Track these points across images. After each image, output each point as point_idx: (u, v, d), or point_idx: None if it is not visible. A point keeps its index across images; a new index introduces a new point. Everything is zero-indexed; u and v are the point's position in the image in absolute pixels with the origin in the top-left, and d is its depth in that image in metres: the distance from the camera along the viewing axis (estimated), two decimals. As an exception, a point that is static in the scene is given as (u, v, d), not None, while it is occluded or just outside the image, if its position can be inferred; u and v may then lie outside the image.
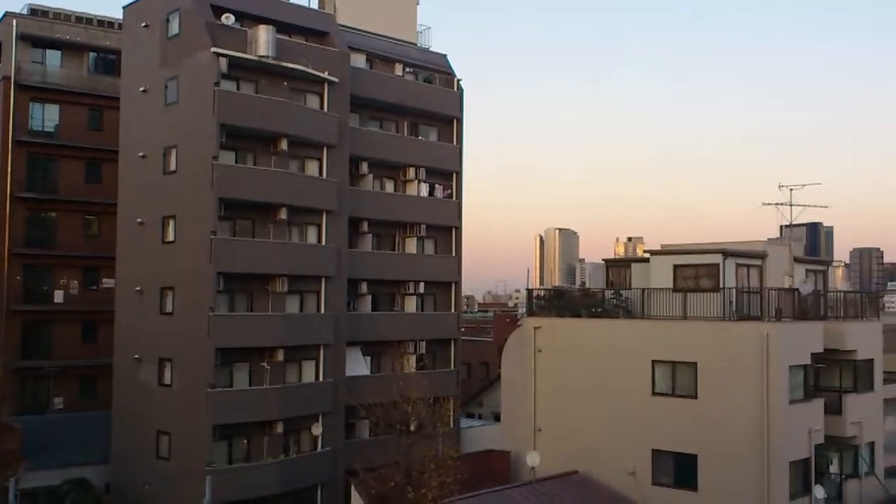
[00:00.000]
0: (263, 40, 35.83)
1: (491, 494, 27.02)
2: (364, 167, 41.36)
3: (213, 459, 33.11)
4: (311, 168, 38.78)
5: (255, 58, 35.88)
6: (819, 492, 27.22)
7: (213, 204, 34.32)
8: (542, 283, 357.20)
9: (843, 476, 29.53)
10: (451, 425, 36.60)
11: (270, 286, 36.22)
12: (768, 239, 33.76)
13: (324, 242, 38.49)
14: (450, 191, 45.27)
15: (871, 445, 30.72)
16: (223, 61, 34.81)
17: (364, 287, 41.09)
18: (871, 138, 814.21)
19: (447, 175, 45.23)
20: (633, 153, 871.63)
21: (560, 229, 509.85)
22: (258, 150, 36.77)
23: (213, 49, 34.71)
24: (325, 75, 38.47)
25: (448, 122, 45.62)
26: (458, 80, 46.27)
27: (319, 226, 38.54)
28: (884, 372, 33.20)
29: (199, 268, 34.52)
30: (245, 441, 35.32)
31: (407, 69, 44.84)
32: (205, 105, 34.93)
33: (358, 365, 40.15)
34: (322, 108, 38.84)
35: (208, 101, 34.76)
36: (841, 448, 29.54)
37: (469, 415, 50.66)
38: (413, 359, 42.31)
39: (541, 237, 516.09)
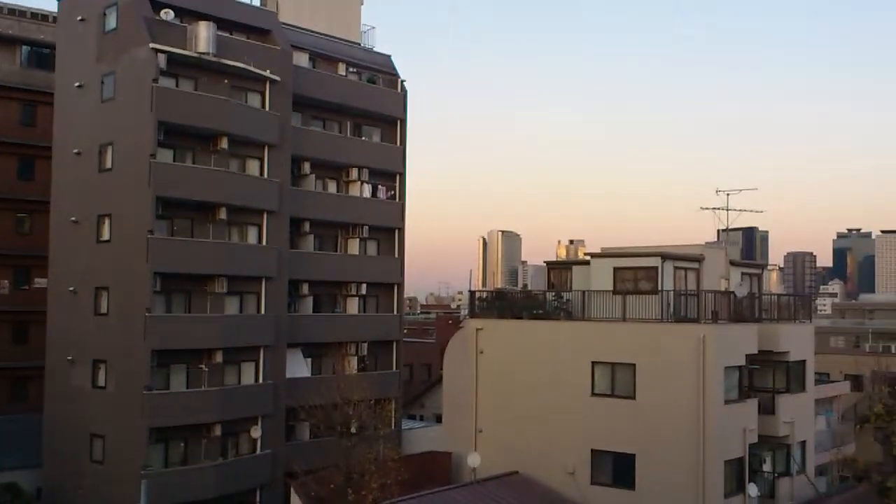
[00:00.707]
0: (204, 37, 35.31)
1: (432, 496, 26.98)
2: (306, 167, 41.03)
3: (148, 463, 32.47)
4: (252, 167, 38.34)
5: (195, 54, 35.34)
6: (752, 490, 27.78)
7: (150, 202, 33.71)
8: (484, 284, 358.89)
9: (776, 474, 30.17)
10: (393, 427, 36.46)
11: (209, 287, 35.71)
12: (706, 243, 34.35)
13: (264, 243, 38.07)
14: (393, 192, 45.16)
15: (803, 444, 31.43)
16: (162, 57, 34.22)
17: (305, 288, 40.75)
18: (805, 145, 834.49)
19: (390, 176, 45.11)
20: (577, 157, 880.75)
21: (503, 232, 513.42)
22: (197, 149, 36.22)
23: (151, 45, 34.08)
24: (267, 74, 38.07)
25: (392, 123, 45.51)
26: (402, 81, 46.20)
27: (260, 226, 38.11)
28: (815, 373, 34.05)
29: (136, 267, 33.87)
30: (182, 444, 34.73)
31: (350, 69, 44.61)
32: (142, 102, 34.30)
33: (299, 367, 39.82)
34: (263, 106, 38.42)
35: (146, 97, 34.13)
36: (774, 447, 30.17)
37: (411, 416, 50.59)
38: (354, 360, 42.10)
39: (484, 239, 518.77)
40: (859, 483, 29.13)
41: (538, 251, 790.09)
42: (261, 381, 37.37)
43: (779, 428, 29.78)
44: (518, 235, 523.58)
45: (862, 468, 30.31)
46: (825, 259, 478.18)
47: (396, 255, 45.07)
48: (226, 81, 36.99)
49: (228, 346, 35.81)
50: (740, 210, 33.56)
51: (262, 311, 37.79)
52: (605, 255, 31.65)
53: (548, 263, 35.57)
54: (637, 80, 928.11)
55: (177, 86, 35.83)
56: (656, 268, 29.04)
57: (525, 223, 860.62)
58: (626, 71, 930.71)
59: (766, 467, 30.13)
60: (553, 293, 31.70)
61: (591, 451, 28.61)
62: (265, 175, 38.23)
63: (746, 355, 28.47)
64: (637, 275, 29.60)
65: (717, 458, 26.73)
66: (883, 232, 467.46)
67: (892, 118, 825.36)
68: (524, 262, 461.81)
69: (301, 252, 40.68)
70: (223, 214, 36.02)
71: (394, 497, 23.40)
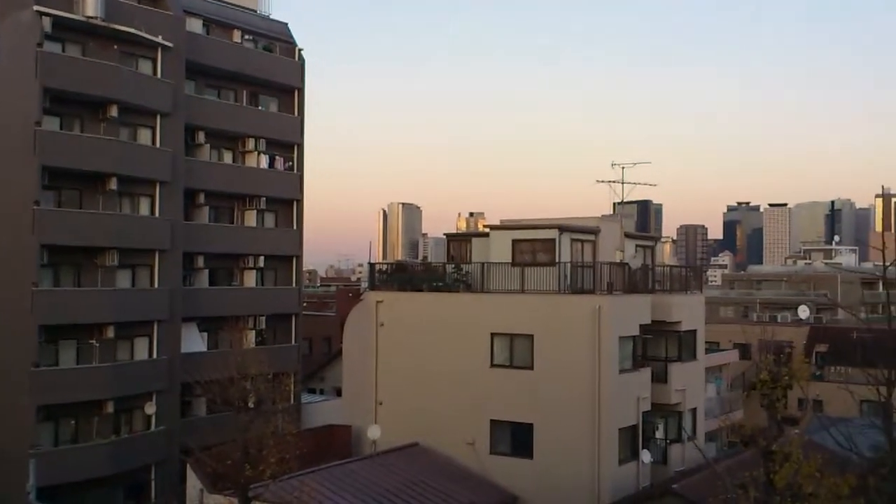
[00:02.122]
0: (91, 0, 33.85)
1: (332, 469, 26.93)
2: (201, 137, 40.02)
3: (37, 442, 31.40)
4: (144, 136, 37.12)
5: (83, 18, 33.91)
6: (646, 456, 28.63)
7: (35, 172, 32.34)
8: (385, 257, 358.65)
9: (668, 441, 31.13)
10: (292, 401, 36.17)
11: (99, 260, 34.55)
12: (602, 215, 34.96)
13: (157, 214, 37.04)
14: (291, 163, 44.48)
15: (694, 411, 32.49)
16: (47, 21, 32.74)
17: (201, 261, 39.90)
18: (697, 120, 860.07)
19: (288, 147, 44.40)
20: (479, 129, 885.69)
21: (403, 204, 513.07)
22: (86, 117, 34.87)
23: (35, 7, 32.58)
24: (159, 40, 36.83)
25: (289, 93, 44.71)
26: (300, 50, 45.39)
27: (153, 197, 37.05)
28: (705, 342, 35.19)
29: (21, 240, 32.52)
30: (73, 422, 33.73)
31: (246, 36, 43.53)
32: (26, 67, 32.74)
33: (194, 341, 39.05)
34: (155, 74, 37.22)
35: (30, 63, 32.60)
36: (666, 414, 31.10)
37: (311, 390, 50.23)
38: (252, 334, 41.52)
39: (384, 211, 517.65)
40: (746, 448, 30.29)
41: (439, 223, 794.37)
42: (155, 356, 36.57)
43: (671, 396, 30.67)
44: (418, 208, 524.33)
45: (748, 433, 31.47)
46: (716, 232, 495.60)
47: (295, 228, 44.49)
48: (115, 47, 35.64)
49: (121, 321, 34.85)
50: (635, 183, 34.35)
51: (156, 285, 36.87)
52: (504, 227, 31.89)
53: (448, 236, 35.63)
54: (534, 53, 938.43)
55: (63, 51, 34.37)
56: (554, 240, 29.41)
57: (426, 195, 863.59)
58: (523, 42, 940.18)
59: (659, 434, 31.05)
60: (453, 265, 31.78)
61: (491, 421, 28.93)
62: (158, 144, 37.14)
63: (640, 325, 29.17)
64: (535, 247, 29.94)
65: (612, 427, 27.40)
66: (770, 205, 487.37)
67: (776, 94, 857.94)
68: (425, 235, 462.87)
69: (196, 224, 39.78)
70: (113, 185, 34.83)
71: (293, 471, 23.18)
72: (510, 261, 29.82)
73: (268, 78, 43.42)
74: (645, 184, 35.08)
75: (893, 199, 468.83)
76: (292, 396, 36.67)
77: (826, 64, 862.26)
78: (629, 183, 33.80)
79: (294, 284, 44.68)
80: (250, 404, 24.46)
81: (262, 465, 22.13)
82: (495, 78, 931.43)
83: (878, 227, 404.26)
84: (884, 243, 14.50)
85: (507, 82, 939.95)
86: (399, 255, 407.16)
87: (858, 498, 15.60)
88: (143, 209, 37.06)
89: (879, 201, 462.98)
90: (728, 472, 18.95)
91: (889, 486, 14.21)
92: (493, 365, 29.12)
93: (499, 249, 30.33)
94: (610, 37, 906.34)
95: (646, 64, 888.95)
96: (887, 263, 14.20)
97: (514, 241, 30.13)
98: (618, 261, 30.63)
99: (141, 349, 36.43)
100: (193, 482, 26.99)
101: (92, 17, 34.00)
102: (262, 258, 42.47)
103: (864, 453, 14.76)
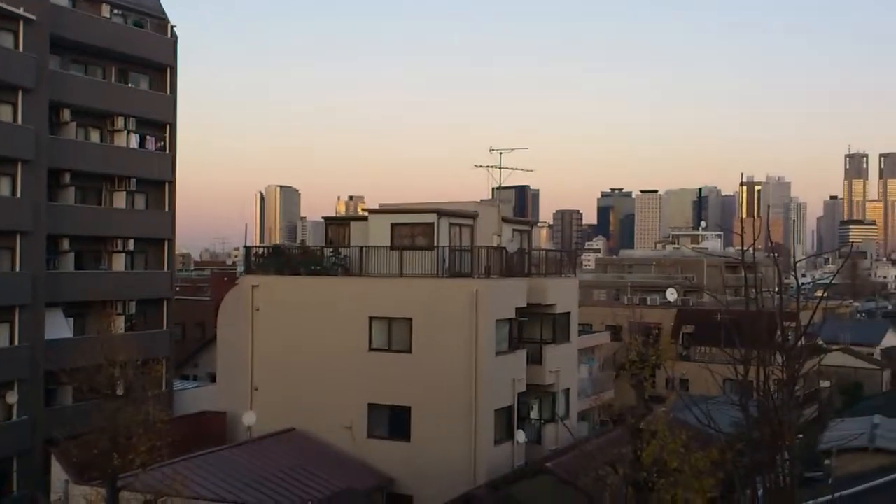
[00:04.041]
0: (-57, -35, 31.84)
1: (205, 456, 26.45)
2: (66, 114, 38.33)
3: None
4: (5, 113, 35.25)
5: (-66, -16, 31.81)
6: (521, 436, 29.24)
7: None
8: (262, 240, 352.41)
9: (543, 421, 31.84)
10: (164, 388, 35.22)
11: (-46, 242, 32.65)
12: (481, 200, 35.32)
13: (18, 195, 35.29)
14: (163, 143, 43.09)
15: (567, 392, 33.33)
16: None
17: (66, 244, 38.34)
18: (576, 105, 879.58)
19: (160, 126, 42.98)
20: (358, 111, 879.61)
21: (281, 186, 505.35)
22: (-62, 90, 32.80)
23: None
24: (20, 11, 34.99)
25: (161, 70, 43.24)
26: (173, 27, 43.92)
27: (13, 176, 35.27)
28: (579, 324, 36.10)
29: None
30: (-75, 413, 31.85)
31: (115, 11, 41.81)
32: None
33: (59, 327, 37.49)
34: (17, 47, 35.36)
35: None
36: (541, 395, 31.80)
37: (184, 377, 49.03)
38: (122, 320, 40.11)
39: (261, 194, 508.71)
40: (616, 426, 31.33)
41: (318, 207, 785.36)
42: (16, 343, 35.01)
43: (545, 377, 31.35)
44: (297, 190, 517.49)
45: (618, 412, 32.57)
46: (590, 217, 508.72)
47: (167, 210, 43.19)
48: (-29, 17, 33.61)
49: (-22, 307, 33.04)
50: (512, 168, 34.72)
51: (17, 269, 35.15)
52: (383, 211, 31.87)
53: (326, 219, 35.35)
54: (417, 39, 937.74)
55: (-89, 18, 32.16)
56: (432, 224, 29.56)
57: (304, 178, 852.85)
58: (408, 29, 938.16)
59: (534, 414, 31.77)
60: (331, 249, 31.53)
61: (368, 405, 28.95)
62: (19, 121, 35.34)
63: (516, 308, 29.68)
64: (414, 231, 30.05)
65: (489, 408, 27.82)
66: (642, 192, 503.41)
67: (648, 83, 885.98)
68: (303, 218, 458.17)
69: (61, 205, 38.14)
70: (-30, 163, 32.93)
71: (163, 460, 22.60)
72: (389, 245, 29.83)
73: (138, 54, 41.86)
74: (522, 169, 35.52)
75: (756, 187, 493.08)
76: (164, 383, 35.70)
77: (695, 55, 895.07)
78: (506, 168, 34.19)
79: (166, 268, 43.45)
80: (119, 392, 23.75)
81: (132, 453, 21.56)
82: (377, 61, 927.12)
83: (743, 214, 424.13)
84: (742, 229, 15.13)
85: (389, 65, 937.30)
86: (276, 238, 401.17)
87: (718, 471, 16.33)
88: (4, 189, 35.25)
89: (743, 189, 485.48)
90: (599, 449, 19.56)
91: (746, 460, 14.91)
92: (371, 349, 29.12)
93: (378, 233, 30.28)
94: (492, 20, 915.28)
95: (523, 52, 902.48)
96: (745, 248, 14.81)
97: (393, 225, 30.15)
98: (495, 245, 31.04)
99: (1, 336, 34.75)
100: (58, 473, 26.09)
101: (-56, -16, 32.00)
102: (131, 241, 41.08)
103: (723, 429, 15.42)
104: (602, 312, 55.34)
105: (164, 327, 42.95)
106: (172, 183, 43.33)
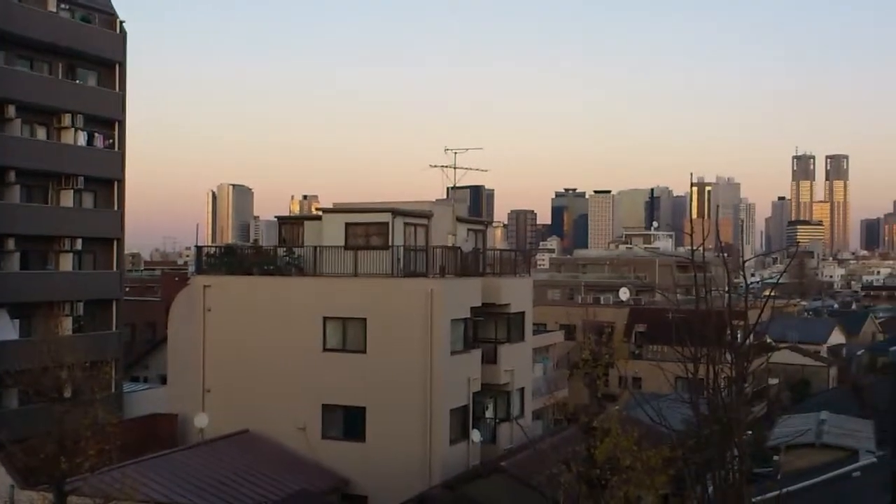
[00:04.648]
0: None
1: (156, 459, 26.04)
2: (11, 111, 37.62)
3: None
4: (-54, 109, 34.42)
5: None
6: (476, 436, 29.26)
7: None
8: (214, 240, 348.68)
9: (497, 420, 31.90)
10: (113, 390, 34.67)
11: None
12: (436, 200, 35.29)
13: (-38, 193, 34.45)
14: (112, 140, 42.43)
15: (522, 391, 33.42)
16: None
17: (11, 243, 37.62)
18: (531, 105, 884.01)
19: (109, 123, 42.32)
20: (313, 111, 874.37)
21: (234, 185, 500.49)
22: None
23: None
24: (-37, 4, 34.15)
25: (110, 67, 42.56)
26: (122, 22, 43.25)
27: (-44, 174, 34.42)
28: (533, 323, 36.25)
29: None
30: None
31: (62, 5, 41.02)
32: None
33: (5, 329, 36.79)
34: (-41, 41, 34.52)
35: None
36: (496, 394, 31.85)
37: (134, 378, 48.29)
38: (69, 321, 39.42)
39: (213, 193, 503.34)
40: (570, 424, 31.53)
41: (271, 206, 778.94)
42: (-41, 345, 34.05)
43: (500, 376, 31.40)
44: (250, 189, 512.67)
45: (572, 410, 32.81)
46: (544, 217, 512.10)
47: (116, 209, 42.53)
48: (-88, 10, 32.75)
49: (-81, 308, 32.20)
50: (467, 168, 34.80)
51: (-39, 269, 34.30)
52: (337, 210, 31.70)
53: (279, 219, 35.05)
54: (369, 38, 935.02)
55: None
56: (387, 223, 29.45)
57: (258, 177, 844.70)
58: (361, 27, 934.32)
59: (489, 414, 31.83)
60: (285, 249, 31.28)
61: (323, 405, 28.76)
62: (-38, 118, 34.49)
63: (471, 308, 29.70)
64: (368, 230, 29.92)
65: (444, 407, 27.80)
66: (595, 192, 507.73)
67: (600, 86, 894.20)
68: (256, 218, 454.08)
69: (6, 204, 37.47)
70: (-90, 161, 32.09)
71: (113, 463, 22.20)
72: (343, 244, 29.67)
73: (86, 50, 41.16)
74: (476, 169, 35.63)
75: (707, 188, 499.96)
76: (113, 385, 35.23)
77: (647, 58, 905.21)
78: (461, 168, 34.26)
79: (115, 268, 42.80)
80: (66, 395, 23.33)
81: (80, 457, 21.14)
82: (331, 60, 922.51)
83: (693, 214, 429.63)
84: (692, 229, 15.30)
85: (343, 65, 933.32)
86: (229, 238, 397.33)
87: (669, 468, 16.51)
88: (-55, 187, 34.43)
89: (694, 189, 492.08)
90: (553, 448, 19.62)
91: (696, 457, 15.09)
92: (325, 349, 28.93)
93: (332, 233, 30.10)
94: (446, 20, 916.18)
95: (475, 52, 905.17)
96: (695, 248, 14.98)
97: (348, 225, 29.99)
98: (450, 245, 31.03)
99: (-56, 338, 33.92)
100: (3, 478, 25.51)
101: None
102: (79, 241, 40.39)
103: (674, 427, 15.58)
104: (556, 312, 55.71)
105: (114, 328, 42.31)
106: (122, 181, 42.69)
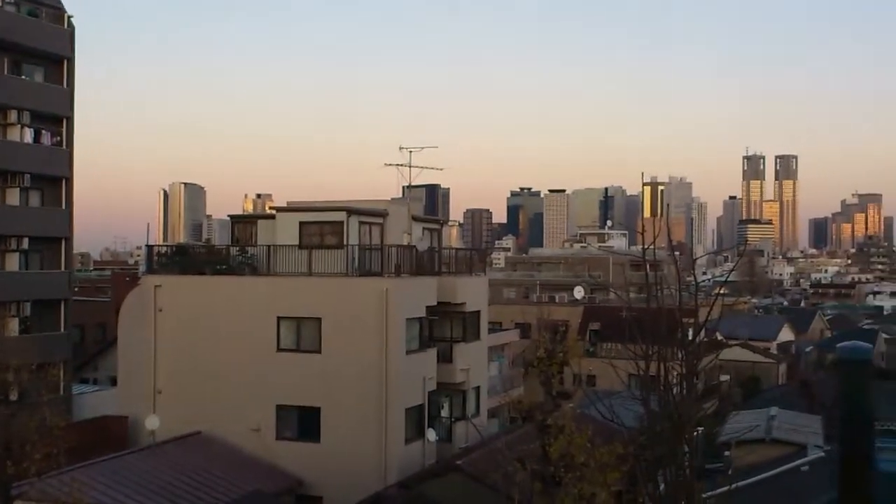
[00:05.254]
0: None
1: (105, 462, 25.60)
2: (-46, 107, 36.66)
3: None
4: None
5: None
6: (431, 435, 29.25)
7: None
8: (165, 239, 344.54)
9: (453, 419, 31.92)
10: (61, 392, 34.03)
11: None
12: (392, 199, 35.20)
13: None
14: (59, 137, 41.73)
15: (477, 390, 33.49)
16: None
17: (-44, 243, 36.64)
18: (488, 103, 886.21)
19: (56, 120, 41.62)
20: (267, 109, 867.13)
21: (186, 184, 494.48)
22: None
23: None
24: None
25: (57, 62, 41.84)
26: (70, 17, 42.51)
27: None
28: (489, 322, 36.32)
29: None
30: None
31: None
32: None
33: (-51, 330, 35.75)
34: None
35: None
36: (451, 393, 31.87)
37: (83, 380, 47.49)
38: (15, 322, 38.65)
39: (165, 191, 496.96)
40: (525, 422, 31.63)
41: (224, 205, 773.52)
42: None
43: (456, 375, 31.43)
44: (202, 188, 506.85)
45: (527, 409, 32.87)
46: (500, 216, 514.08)
47: (63, 207, 41.80)
48: None
49: None
50: (422, 167, 34.77)
51: None
52: (291, 209, 31.46)
53: (232, 218, 34.67)
54: (325, 35, 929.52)
55: None
56: (342, 222, 29.30)
57: (211, 176, 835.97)
58: (315, 23, 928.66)
59: (444, 412, 31.83)
60: (238, 248, 30.97)
61: (277, 406, 28.52)
62: None
63: (427, 307, 29.67)
64: (323, 229, 29.74)
65: (399, 407, 27.74)
66: (550, 191, 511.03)
67: (554, 83, 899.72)
68: (209, 216, 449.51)
69: (-51, 202, 36.44)
70: None
71: (61, 467, 21.79)
72: (297, 243, 29.44)
73: (32, 45, 40.44)
74: (432, 168, 35.60)
75: (660, 187, 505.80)
76: (62, 387, 34.55)
77: (599, 57, 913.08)
78: (416, 167, 34.22)
79: (63, 268, 42.12)
80: (12, 397, 22.89)
81: (27, 461, 20.70)
82: (286, 58, 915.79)
83: (647, 213, 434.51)
84: (643, 228, 15.43)
85: (297, 63, 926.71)
86: (181, 237, 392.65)
87: (622, 465, 16.61)
88: None
89: (647, 189, 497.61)
90: (508, 446, 19.63)
91: (648, 454, 15.18)
92: (279, 349, 28.69)
93: (286, 232, 29.86)
94: (408, 18, 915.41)
95: (431, 51, 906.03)
96: (648, 246, 15.09)
97: (302, 224, 29.77)
98: (405, 244, 30.96)
99: None
100: (-54, 485, 24.78)
101: None
102: (26, 240, 39.74)
103: (626, 424, 15.68)
104: (511, 310, 55.81)
105: (62, 329, 41.64)
106: (70, 179, 42.01)
